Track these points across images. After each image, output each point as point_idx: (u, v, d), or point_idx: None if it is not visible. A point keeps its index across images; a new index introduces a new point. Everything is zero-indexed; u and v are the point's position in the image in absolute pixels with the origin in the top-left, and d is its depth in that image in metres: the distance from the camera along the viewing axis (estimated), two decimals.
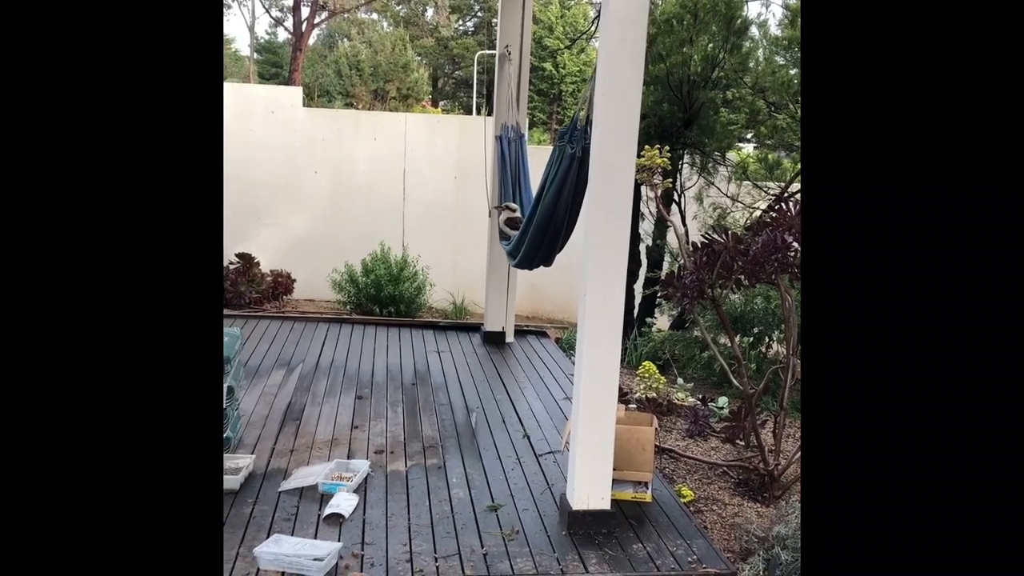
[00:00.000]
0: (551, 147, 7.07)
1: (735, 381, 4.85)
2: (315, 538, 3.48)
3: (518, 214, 5.69)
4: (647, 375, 6.06)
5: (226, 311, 8.02)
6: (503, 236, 5.63)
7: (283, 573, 3.18)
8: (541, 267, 5.30)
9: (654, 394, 5.96)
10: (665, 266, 8.30)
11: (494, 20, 32.99)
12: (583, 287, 3.56)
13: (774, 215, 4.52)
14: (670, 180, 7.55)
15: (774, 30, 7.80)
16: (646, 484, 4.00)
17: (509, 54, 6.40)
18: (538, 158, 6.17)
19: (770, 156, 7.98)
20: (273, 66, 33.71)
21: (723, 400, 6.17)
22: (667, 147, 5.27)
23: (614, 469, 3.75)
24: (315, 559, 3.20)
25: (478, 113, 28.17)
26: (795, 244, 4.31)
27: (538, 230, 4.60)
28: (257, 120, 9.55)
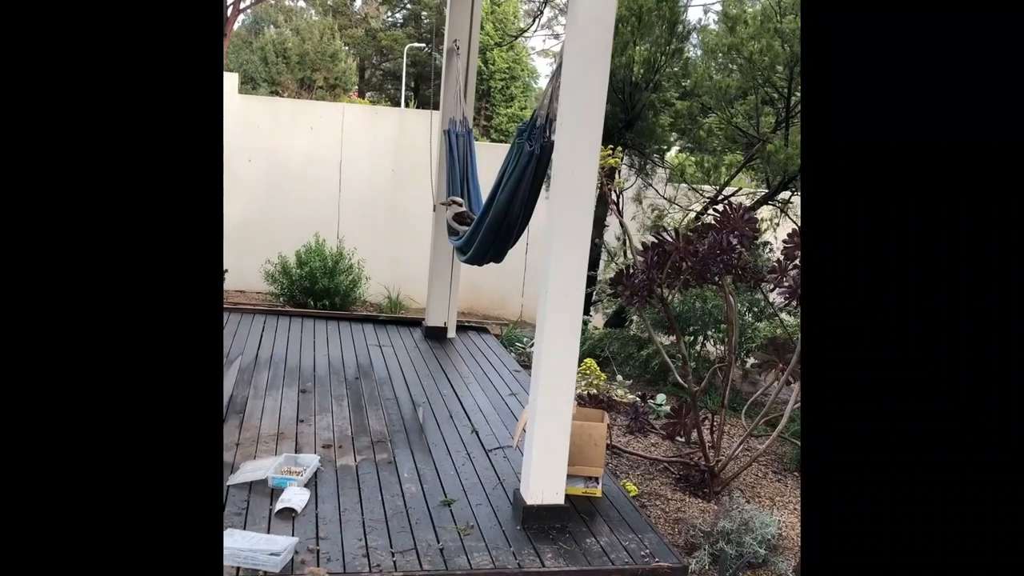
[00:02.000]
0: (485, 143, 7.07)
1: (679, 379, 4.96)
2: (268, 532, 3.42)
3: (464, 208, 5.69)
4: (587, 372, 6.14)
5: None
6: (451, 231, 5.63)
7: (238, 569, 3.12)
8: (479, 266, 5.31)
9: (594, 391, 6.05)
10: (602, 265, 8.42)
11: (424, 13, 32.81)
12: (544, 284, 3.59)
13: (719, 217, 4.64)
14: (622, 181, 7.66)
15: (713, 36, 8.00)
16: (597, 479, 4.07)
17: (458, 48, 6.39)
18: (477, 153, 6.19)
19: (706, 159, 8.17)
20: None
21: (661, 397, 6.30)
22: (611, 147, 5.36)
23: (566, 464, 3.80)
24: (271, 554, 3.16)
25: (407, 105, 28.03)
26: (739, 246, 4.44)
27: (491, 227, 4.62)
28: None
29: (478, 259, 5.04)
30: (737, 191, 8.23)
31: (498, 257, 4.98)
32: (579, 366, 6.18)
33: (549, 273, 3.53)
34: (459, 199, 5.75)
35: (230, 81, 9.80)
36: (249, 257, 9.22)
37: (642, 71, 7.76)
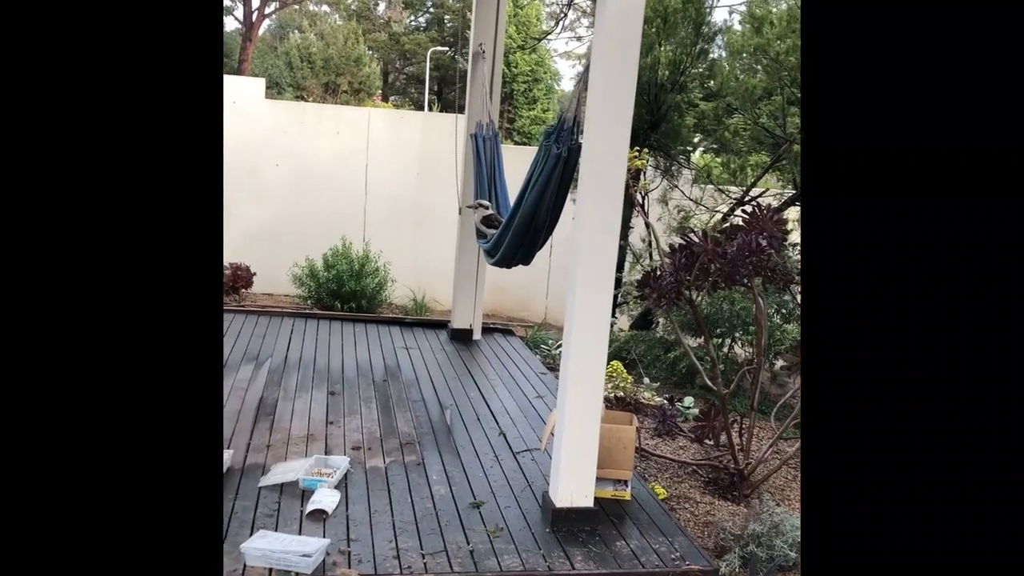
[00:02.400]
0: (509, 145, 7.08)
1: (708, 381, 4.94)
2: (299, 534, 3.45)
3: (492, 211, 5.69)
4: (614, 374, 6.13)
5: None
6: (480, 235, 5.63)
7: (271, 570, 3.14)
8: (507, 268, 5.31)
9: (622, 393, 6.04)
10: (627, 267, 8.40)
11: (447, 16, 32.91)
12: (572, 286, 3.59)
13: (747, 219, 4.61)
14: (647, 182, 7.64)
15: (739, 37, 7.95)
16: (626, 482, 4.06)
17: (483, 52, 6.40)
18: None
19: (733, 160, 8.13)
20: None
21: (689, 400, 6.27)
22: (637, 148, 5.34)
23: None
24: (303, 555, 3.18)
25: (430, 109, 28.11)
26: (768, 248, 4.41)
27: (520, 229, 4.62)
28: None
29: (506, 261, 5.05)
30: (764, 192, 8.18)
31: (526, 259, 4.98)
32: (606, 368, 6.17)
33: (577, 275, 3.53)
34: (486, 202, 5.76)
35: (257, 86, 9.90)
36: (277, 260, 9.30)
37: (667, 72, 7.74)
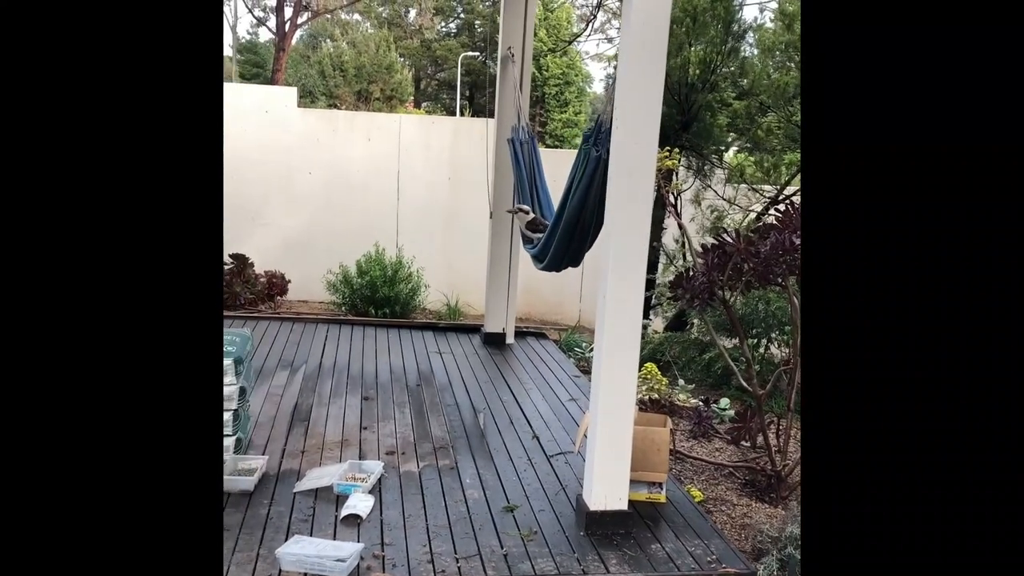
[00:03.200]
0: (543, 148, 7.11)
1: (743, 383, 4.88)
2: (334, 539, 3.46)
3: (534, 215, 5.66)
4: (649, 376, 6.09)
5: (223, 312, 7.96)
6: (526, 240, 5.61)
7: (305, 574, 3.16)
8: (557, 271, 5.28)
9: (656, 395, 5.99)
10: (660, 268, 8.34)
11: (477, 22, 33.02)
12: (603, 286, 3.57)
13: (780, 216, 4.56)
14: (679, 183, 7.59)
15: (770, 34, 7.88)
16: (660, 485, 4.02)
17: (512, 56, 6.40)
18: None
19: (766, 159, 8.05)
20: (255, 66, 33.53)
21: (725, 401, 6.21)
22: (667, 148, 5.30)
23: (630, 470, 3.76)
24: (338, 560, 3.19)
25: (462, 114, 28.20)
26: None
27: (566, 232, 4.60)
28: (251, 120, 9.50)
29: (555, 265, 5.02)
30: (798, 191, 8.08)
31: (575, 261, 4.95)
32: (639, 371, 6.13)
33: (608, 276, 3.51)
34: (526, 207, 5.74)
35: (289, 95, 10.01)
36: (312, 267, 9.39)
37: (698, 72, 7.68)
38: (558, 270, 5.08)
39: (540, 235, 5.18)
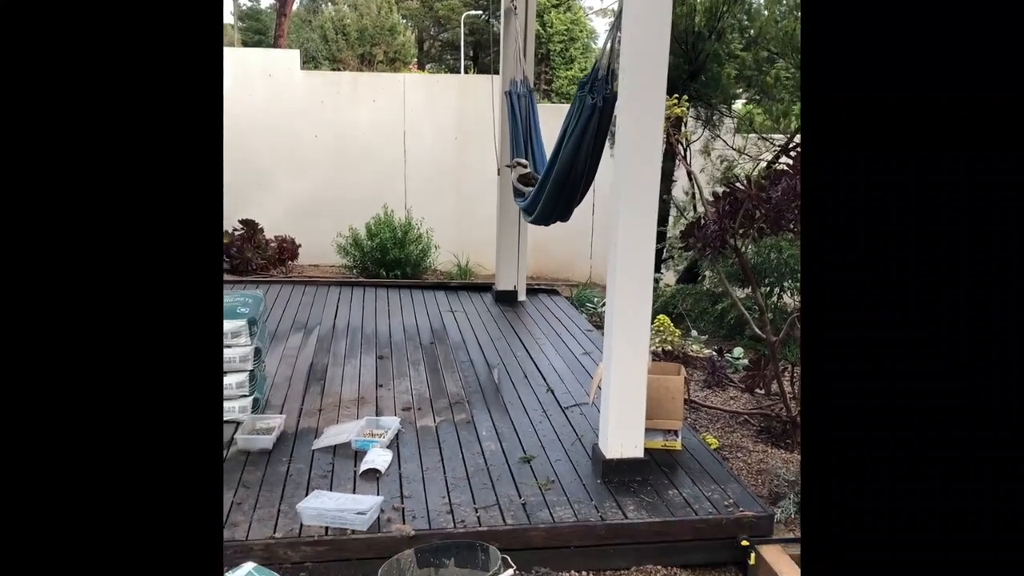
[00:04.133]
0: (547, 104, 6.99)
1: (757, 331, 4.87)
2: (354, 493, 3.50)
3: (529, 170, 5.65)
4: (662, 328, 6.09)
5: (234, 277, 8.00)
6: (517, 193, 5.59)
7: (327, 528, 3.20)
8: (545, 226, 5.27)
9: (669, 347, 6.00)
10: (671, 221, 8.30)
11: None
12: (614, 237, 3.56)
13: (790, 163, 4.51)
14: (682, 133, 7.52)
15: None
16: (676, 432, 4.04)
17: (515, 8, 6.32)
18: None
19: (775, 107, 7.95)
20: (257, 33, 33.23)
21: (738, 351, 6.21)
22: (676, 96, 5.24)
23: (645, 418, 3.77)
24: (358, 513, 3.23)
25: (466, 74, 27.95)
26: None
27: (556, 184, 4.57)
28: (255, 84, 9.44)
29: (544, 219, 5.01)
30: None
31: (564, 215, 4.93)
32: (652, 323, 6.13)
33: (618, 224, 3.50)
34: (523, 160, 5.71)
35: (292, 59, 9.93)
36: (321, 231, 9.38)
37: (704, 20, 7.56)
38: (547, 224, 5.06)
39: (531, 188, 5.15)
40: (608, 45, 4.16)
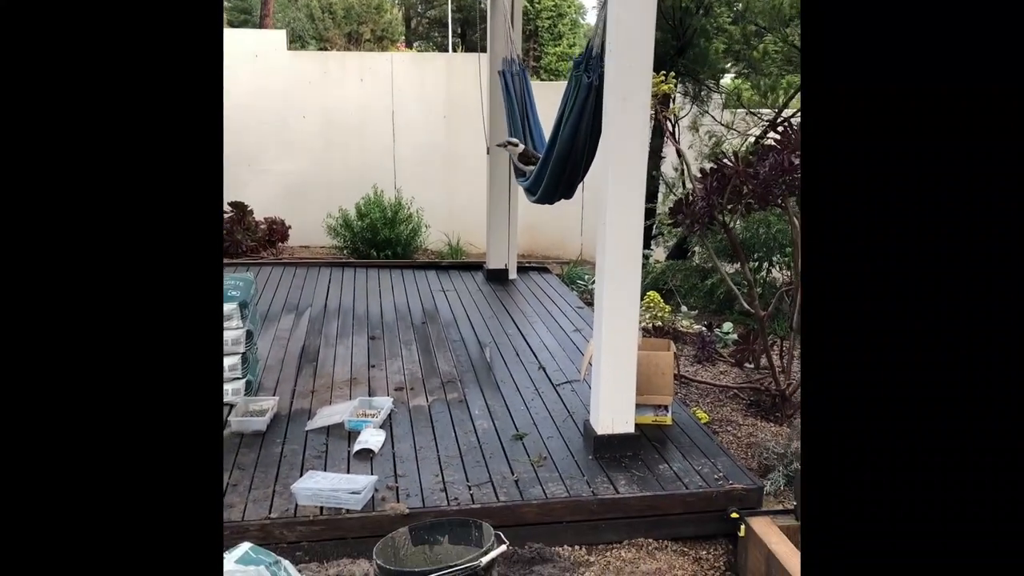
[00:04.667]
0: (535, 82, 7.01)
1: (746, 305, 4.91)
2: (348, 473, 3.54)
3: (521, 148, 5.63)
4: (652, 305, 6.12)
5: (224, 260, 7.99)
6: (519, 173, 5.57)
7: (321, 508, 3.24)
8: (550, 204, 5.26)
9: (660, 323, 6.04)
10: (660, 197, 8.32)
11: None
12: (602, 218, 3.58)
13: (778, 138, 4.53)
14: (670, 109, 7.51)
15: None
16: (666, 407, 4.08)
17: None
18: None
19: (763, 82, 7.95)
20: (242, 12, 32.88)
21: (728, 325, 6.25)
22: (663, 72, 5.24)
23: (635, 394, 3.81)
24: (352, 492, 3.26)
25: (454, 52, 27.78)
26: (800, 166, 4.34)
27: (558, 163, 4.55)
28: (241, 65, 9.37)
29: (548, 197, 4.98)
30: (796, 112, 8.00)
31: (568, 192, 4.91)
32: (642, 300, 6.17)
33: (606, 203, 3.52)
34: (513, 140, 5.70)
35: (278, 38, 9.88)
36: (311, 212, 9.37)
37: None
38: (551, 202, 5.04)
39: (532, 167, 5.14)
40: (601, 21, 4.15)
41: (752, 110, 7.94)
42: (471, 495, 3.36)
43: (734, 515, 3.40)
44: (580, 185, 4.81)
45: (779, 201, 4.45)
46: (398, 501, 3.30)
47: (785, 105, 7.86)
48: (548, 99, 6.40)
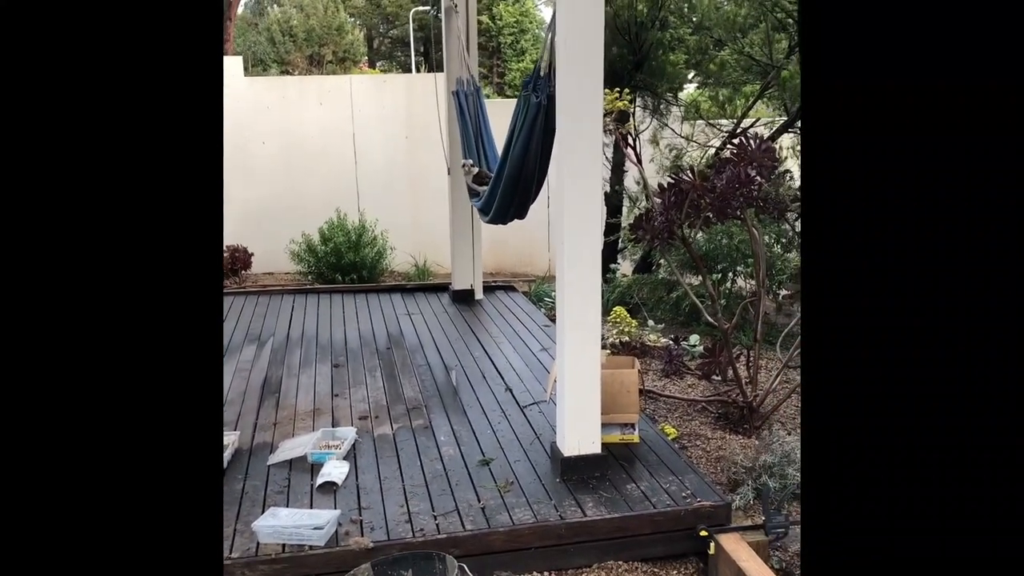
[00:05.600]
0: (499, 99, 6.99)
1: (709, 318, 4.91)
2: (311, 508, 3.47)
3: (477, 169, 5.62)
4: (618, 320, 6.11)
5: None
6: (472, 193, 5.56)
7: (284, 545, 3.16)
8: (503, 224, 5.24)
9: (627, 338, 6.03)
10: (624, 211, 8.33)
11: None
12: (560, 237, 3.55)
13: (735, 151, 4.54)
14: (628, 124, 7.54)
15: None
16: (632, 425, 4.05)
17: (455, 6, 6.28)
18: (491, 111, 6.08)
19: (721, 93, 8.00)
20: None
21: (694, 338, 6.25)
22: (618, 90, 5.25)
23: (601, 413, 3.78)
24: (315, 528, 3.20)
25: (417, 71, 27.79)
26: (758, 178, 4.35)
27: (509, 183, 4.55)
28: None
29: (501, 217, 4.97)
30: (756, 122, 8.06)
31: (521, 212, 4.90)
32: (609, 315, 6.16)
33: (563, 221, 3.49)
34: (468, 161, 5.68)
35: (234, 65, 9.78)
36: (274, 239, 9.28)
37: (646, 9, 7.59)
38: (504, 222, 5.04)
39: (485, 188, 5.13)
40: (547, 42, 4.15)
41: (711, 121, 7.99)
42: (436, 525, 3.31)
43: (703, 533, 3.37)
44: (545, 201, 4.80)
45: (738, 213, 4.45)
46: (362, 535, 3.24)
47: (744, 115, 7.91)
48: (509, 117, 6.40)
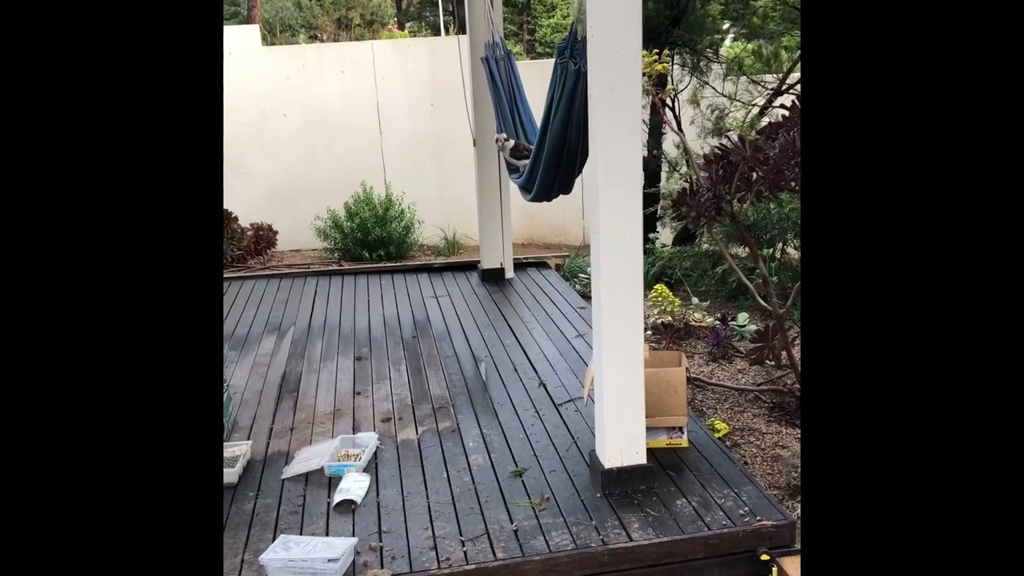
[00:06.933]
0: (529, 61, 6.53)
1: (762, 301, 4.47)
2: (326, 531, 3.15)
3: (513, 142, 5.17)
4: (660, 298, 5.69)
5: None
6: (512, 169, 5.10)
7: None
8: (548, 201, 4.79)
9: (669, 318, 5.61)
10: (663, 177, 7.86)
11: None
12: (595, 220, 3.15)
13: (786, 113, 4.07)
14: (675, 84, 7.05)
15: None
16: (681, 429, 3.66)
17: None
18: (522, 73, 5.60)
19: (765, 47, 7.45)
20: (231, 5, 32.34)
21: (743, 316, 5.82)
22: (656, 51, 4.78)
23: (645, 417, 3.39)
24: (329, 560, 2.88)
25: (446, 32, 27.21)
26: None
27: (551, 158, 4.10)
28: None
29: (545, 194, 4.52)
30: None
31: (566, 188, 4.44)
32: (650, 293, 5.74)
33: (598, 209, 3.09)
34: (502, 135, 5.23)
35: (252, 34, 9.42)
36: (299, 215, 8.96)
37: None
38: (548, 199, 4.58)
39: (526, 162, 4.68)
40: (582, 3, 3.69)
41: (754, 78, 7.44)
42: (464, 552, 2.97)
43: (764, 557, 2.99)
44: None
45: (793, 184, 4.00)
46: (382, 567, 2.91)
47: (790, 70, 7.35)
48: (544, 77, 5.93)
